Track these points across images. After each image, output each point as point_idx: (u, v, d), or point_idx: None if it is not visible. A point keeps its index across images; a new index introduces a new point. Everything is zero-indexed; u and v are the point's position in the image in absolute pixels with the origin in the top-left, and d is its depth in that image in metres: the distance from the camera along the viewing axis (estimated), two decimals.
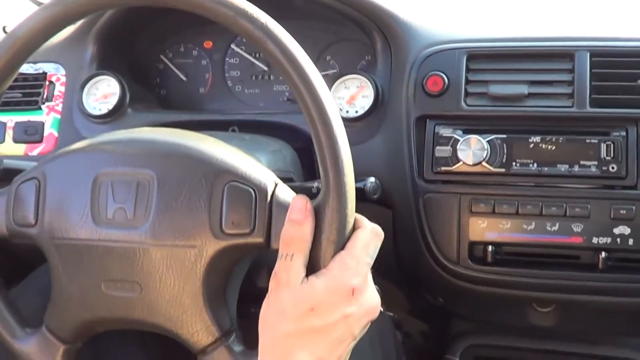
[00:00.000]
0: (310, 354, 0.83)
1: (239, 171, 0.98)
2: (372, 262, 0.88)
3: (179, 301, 0.99)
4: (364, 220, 0.90)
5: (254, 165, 1.00)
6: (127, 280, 1.00)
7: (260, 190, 0.96)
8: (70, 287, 1.03)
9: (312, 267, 0.87)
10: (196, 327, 0.99)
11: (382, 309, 1.38)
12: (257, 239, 0.95)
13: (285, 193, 0.97)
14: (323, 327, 0.83)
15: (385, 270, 1.42)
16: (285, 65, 0.90)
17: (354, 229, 0.89)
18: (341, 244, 0.89)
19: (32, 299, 1.26)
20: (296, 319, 0.83)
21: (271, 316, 0.85)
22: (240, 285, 1.09)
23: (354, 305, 0.84)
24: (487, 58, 1.34)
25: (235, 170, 0.98)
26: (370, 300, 0.88)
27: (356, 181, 0.94)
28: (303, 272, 0.86)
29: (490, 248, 1.28)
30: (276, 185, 0.97)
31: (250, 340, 0.98)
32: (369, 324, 0.89)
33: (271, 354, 0.84)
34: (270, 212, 0.95)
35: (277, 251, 0.93)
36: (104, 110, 1.48)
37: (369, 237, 0.88)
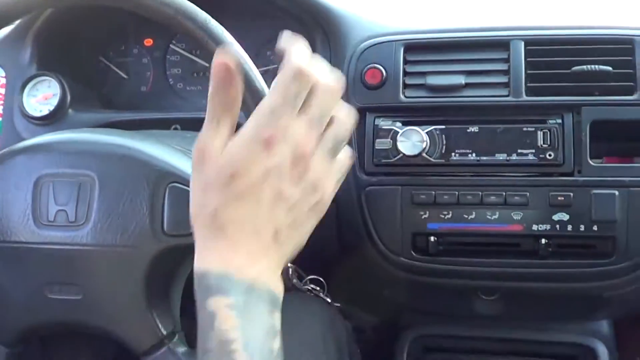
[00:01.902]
0: (242, 224, 0.73)
1: (181, 172, 0.98)
2: (298, 106, 0.74)
3: (120, 303, 0.99)
4: (292, 57, 0.75)
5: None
6: (68, 283, 1.00)
7: None
8: (12, 290, 1.02)
9: None
10: (139, 329, 1.00)
11: (329, 301, 1.41)
12: None
13: None
14: (247, 190, 0.73)
15: (331, 263, 1.43)
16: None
17: None
18: None
19: None
20: (220, 189, 0.73)
21: (198, 190, 0.76)
22: (184, 286, 1.09)
23: (274, 158, 0.73)
24: (424, 49, 1.34)
25: (176, 171, 0.98)
26: (296, 147, 0.74)
27: None
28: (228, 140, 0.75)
29: (432, 239, 1.29)
30: None
31: (195, 340, 0.98)
32: (321, 198, 0.77)
33: (206, 238, 0.75)
34: None
35: None
36: (45, 112, 1.47)
37: (288, 79, 0.73)
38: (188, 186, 0.95)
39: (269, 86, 0.99)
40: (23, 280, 1.02)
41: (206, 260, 0.74)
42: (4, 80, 1.53)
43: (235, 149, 0.72)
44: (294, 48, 0.75)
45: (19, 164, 1.04)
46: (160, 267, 0.99)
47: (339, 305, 1.43)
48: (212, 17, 0.94)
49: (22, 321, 1.04)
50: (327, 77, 0.76)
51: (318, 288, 1.40)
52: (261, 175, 0.72)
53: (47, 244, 1.00)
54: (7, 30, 1.54)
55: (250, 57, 0.97)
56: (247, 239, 0.73)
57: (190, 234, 0.93)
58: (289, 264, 1.13)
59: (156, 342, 0.99)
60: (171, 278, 1.04)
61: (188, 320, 1.04)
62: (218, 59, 0.73)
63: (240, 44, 0.96)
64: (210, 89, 0.75)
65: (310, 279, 1.39)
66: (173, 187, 0.97)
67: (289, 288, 1.17)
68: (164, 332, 1.00)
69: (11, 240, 1.01)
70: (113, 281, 0.98)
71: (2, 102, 1.52)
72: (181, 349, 1.01)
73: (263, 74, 0.97)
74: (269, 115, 0.72)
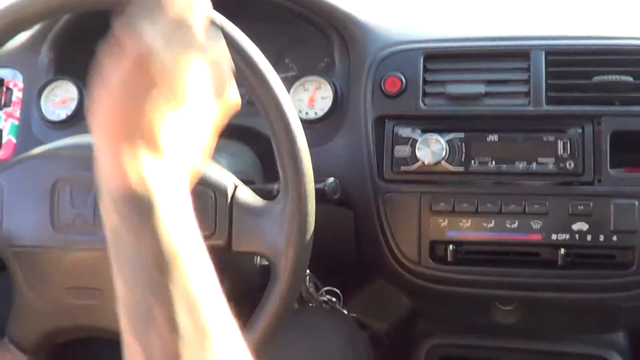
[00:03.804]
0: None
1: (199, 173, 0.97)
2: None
3: None
4: None
5: (214, 167, 1.00)
6: (88, 287, 0.99)
7: (220, 192, 0.96)
8: (31, 296, 1.02)
9: None
10: None
11: (345, 311, 1.40)
12: (218, 241, 0.95)
13: (245, 194, 0.97)
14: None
15: (348, 270, 1.43)
16: (243, 67, 0.90)
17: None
18: (303, 245, 0.89)
19: None
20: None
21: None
22: None
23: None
24: (444, 58, 1.35)
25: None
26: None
27: (316, 182, 0.95)
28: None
29: (451, 247, 1.28)
30: (236, 187, 0.97)
31: None
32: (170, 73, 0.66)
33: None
34: (231, 214, 0.95)
35: (238, 253, 0.93)
36: (63, 116, 1.46)
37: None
38: (206, 188, 0.96)
39: (288, 90, 0.99)
40: (42, 285, 1.01)
41: None
42: (21, 85, 1.54)
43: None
44: None
45: (36, 168, 1.04)
46: None
47: (354, 315, 1.43)
48: (232, 22, 0.94)
49: (43, 327, 1.03)
50: None
51: (334, 299, 1.40)
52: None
53: (66, 248, 0.99)
54: (25, 35, 1.55)
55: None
56: None
57: (209, 236, 0.94)
58: (308, 273, 1.13)
59: None
60: None
61: None
62: None
63: (260, 50, 0.97)
64: None
65: (325, 290, 1.39)
66: (191, 188, 0.97)
67: (306, 299, 1.17)
68: None
69: (30, 245, 1.01)
70: None
71: (19, 106, 1.52)
72: None
73: (282, 81, 0.97)
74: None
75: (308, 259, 0.97)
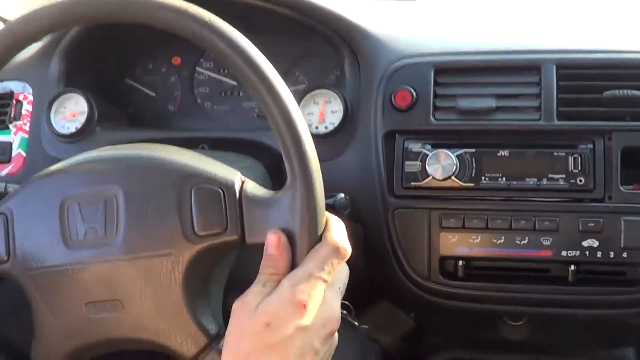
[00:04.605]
0: None
1: (204, 173, 0.97)
2: (330, 278, 0.87)
3: (162, 312, 0.98)
4: (331, 233, 0.90)
5: (218, 165, 1.00)
6: (107, 300, 0.99)
7: (228, 188, 0.96)
8: (52, 317, 1.02)
9: None
10: (183, 336, 0.98)
11: (357, 324, 1.40)
12: (232, 236, 0.95)
13: (253, 188, 0.97)
14: (280, 343, 0.83)
15: (357, 285, 1.42)
16: (254, 80, 0.90)
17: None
18: (315, 229, 0.90)
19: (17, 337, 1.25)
20: (254, 337, 0.83)
21: (231, 342, 0.86)
22: (224, 288, 1.08)
23: (307, 318, 0.84)
24: (454, 72, 1.34)
25: (200, 172, 0.97)
26: (327, 313, 0.87)
27: (326, 197, 0.95)
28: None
29: (460, 263, 1.28)
30: (243, 182, 0.97)
31: None
32: (335, 339, 0.89)
33: None
34: (241, 208, 0.95)
35: (253, 246, 0.94)
36: (72, 129, 1.46)
37: (326, 253, 0.88)
38: (213, 186, 0.95)
39: (298, 103, 0.99)
40: (62, 304, 1.01)
41: None
42: (31, 97, 1.54)
43: (272, 305, 0.84)
44: (334, 223, 0.91)
45: (43, 189, 1.03)
46: (197, 270, 0.98)
47: (366, 327, 1.42)
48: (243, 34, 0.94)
49: (66, 346, 1.02)
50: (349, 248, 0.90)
51: (345, 312, 1.39)
52: (294, 331, 0.83)
53: (81, 264, 0.99)
54: (34, 47, 1.55)
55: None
56: None
57: (222, 233, 0.94)
58: None
59: (202, 348, 0.98)
60: (209, 279, 1.03)
61: None
62: (270, 236, 0.89)
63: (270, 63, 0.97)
64: (264, 259, 0.90)
65: None
66: (198, 188, 0.96)
67: None
68: (211, 336, 0.99)
69: (44, 265, 1.01)
70: (152, 291, 0.97)
71: (29, 119, 1.52)
72: None
73: (293, 93, 0.97)
74: (306, 281, 0.86)
75: None
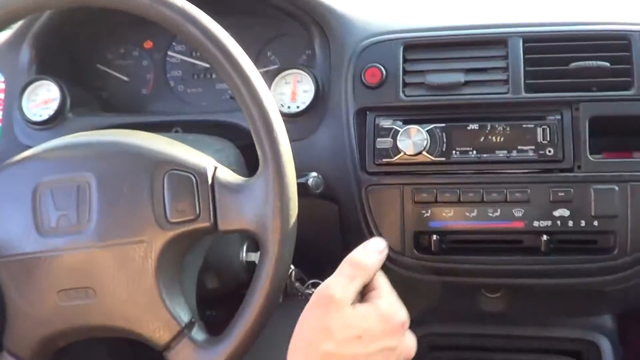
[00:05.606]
0: None
1: (177, 159, 0.98)
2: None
3: (135, 300, 0.99)
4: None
5: (191, 151, 1.00)
6: (80, 288, 0.99)
7: (201, 174, 0.96)
8: (24, 304, 1.02)
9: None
10: (156, 323, 0.99)
11: None
12: (204, 223, 0.96)
13: (226, 174, 0.97)
14: (364, 356, 0.86)
15: (333, 262, 1.43)
16: (223, 62, 0.90)
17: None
18: (288, 215, 0.93)
19: None
20: (341, 342, 0.85)
21: (313, 330, 0.87)
22: (197, 276, 1.09)
23: (396, 340, 0.90)
24: (423, 48, 1.35)
25: (172, 158, 0.98)
26: (409, 340, 0.95)
27: (299, 177, 0.95)
28: (355, 299, 0.91)
29: (434, 237, 1.28)
30: (216, 168, 0.97)
31: (216, 328, 0.99)
32: None
33: None
34: (214, 194, 0.96)
35: (225, 232, 0.95)
36: (45, 116, 1.46)
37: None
38: (186, 172, 0.95)
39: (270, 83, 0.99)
40: (34, 291, 1.01)
41: None
42: (2, 85, 1.53)
43: (372, 318, 0.88)
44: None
45: (15, 176, 1.04)
46: (170, 257, 0.98)
47: None
48: (211, 17, 0.94)
49: (38, 333, 1.03)
50: None
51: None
52: (381, 349, 0.87)
53: (53, 251, 0.99)
54: (5, 34, 1.54)
55: (251, 58, 0.98)
56: None
57: (195, 219, 0.94)
58: (292, 267, 1.14)
59: (175, 335, 0.99)
60: (183, 266, 1.03)
61: (207, 310, 1.04)
62: (377, 239, 1.01)
63: (240, 44, 0.97)
64: (360, 248, 0.97)
65: (311, 283, 1.39)
66: (171, 174, 0.97)
67: (290, 292, 1.18)
68: (183, 323, 0.99)
69: (16, 253, 1.01)
70: (124, 278, 0.97)
71: (1, 107, 1.52)
72: (201, 337, 1.00)
73: (263, 74, 0.97)
74: (399, 304, 0.94)
75: (295, 231, 0.97)
